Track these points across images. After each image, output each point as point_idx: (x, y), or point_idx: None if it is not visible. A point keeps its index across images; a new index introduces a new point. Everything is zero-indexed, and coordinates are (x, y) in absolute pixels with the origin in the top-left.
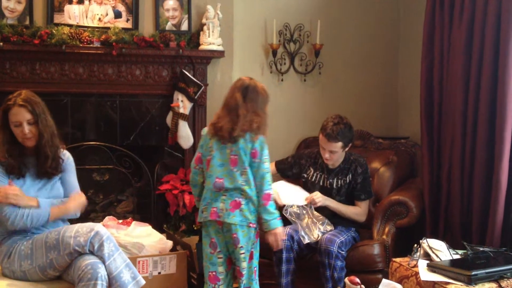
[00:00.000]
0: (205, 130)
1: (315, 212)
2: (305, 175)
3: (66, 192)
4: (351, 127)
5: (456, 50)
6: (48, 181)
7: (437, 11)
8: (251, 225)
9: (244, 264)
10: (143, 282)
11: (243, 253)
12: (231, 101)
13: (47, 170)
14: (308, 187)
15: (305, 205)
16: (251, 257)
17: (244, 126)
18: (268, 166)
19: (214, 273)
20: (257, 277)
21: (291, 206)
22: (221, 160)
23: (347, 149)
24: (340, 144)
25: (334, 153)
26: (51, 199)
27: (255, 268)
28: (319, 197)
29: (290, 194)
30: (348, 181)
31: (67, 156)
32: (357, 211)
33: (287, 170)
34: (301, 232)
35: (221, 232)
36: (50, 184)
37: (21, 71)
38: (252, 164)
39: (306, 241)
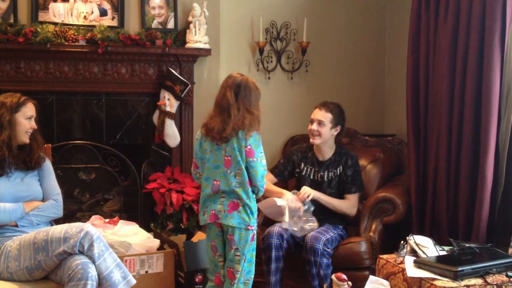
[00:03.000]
0: (199, 134)
1: (307, 213)
2: (298, 170)
3: (48, 195)
4: (343, 112)
5: (442, 48)
6: (25, 177)
7: (422, 10)
8: (249, 227)
9: (239, 267)
10: (133, 281)
11: (239, 255)
12: (222, 101)
13: (27, 163)
14: (300, 181)
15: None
16: (247, 260)
17: (235, 125)
18: (265, 164)
19: (218, 275)
20: (249, 281)
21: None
22: (216, 161)
23: (335, 132)
24: (329, 116)
25: (322, 125)
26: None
27: (245, 271)
28: (308, 191)
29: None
30: (338, 173)
31: (46, 159)
32: (348, 204)
33: (283, 172)
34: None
35: (220, 235)
36: (26, 184)
37: (5, 70)
38: (250, 164)
39: (285, 226)
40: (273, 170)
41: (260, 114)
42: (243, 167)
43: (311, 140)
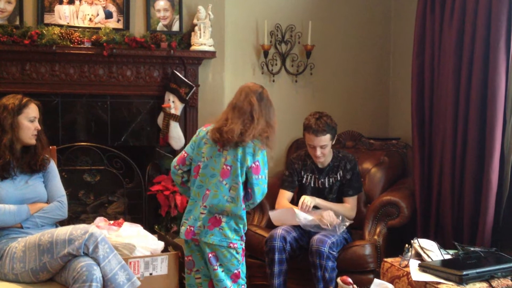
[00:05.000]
0: (202, 132)
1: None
2: (299, 178)
3: (53, 196)
4: (332, 118)
5: (447, 51)
6: (29, 179)
7: (428, 12)
8: (231, 245)
9: (227, 283)
10: (138, 283)
11: (223, 270)
12: (244, 104)
13: (32, 166)
14: (302, 189)
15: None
16: (236, 276)
17: (255, 132)
18: (266, 182)
19: None
20: None
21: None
22: (214, 169)
23: (333, 142)
24: (328, 136)
25: (325, 147)
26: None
27: (243, 287)
28: (307, 200)
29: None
30: (339, 178)
31: (51, 160)
32: (346, 208)
33: (293, 183)
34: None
35: (198, 249)
36: (31, 186)
37: (11, 72)
38: (253, 181)
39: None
40: (283, 185)
41: (275, 132)
42: (241, 181)
43: (316, 161)
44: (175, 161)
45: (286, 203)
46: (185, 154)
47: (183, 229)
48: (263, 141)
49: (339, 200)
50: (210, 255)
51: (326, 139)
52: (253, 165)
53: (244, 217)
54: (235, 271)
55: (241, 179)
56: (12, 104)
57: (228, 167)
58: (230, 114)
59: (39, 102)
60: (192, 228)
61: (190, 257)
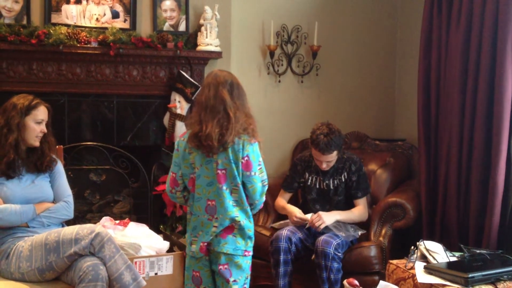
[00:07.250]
0: (181, 144)
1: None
2: (303, 180)
3: (59, 196)
4: (340, 132)
5: (454, 52)
6: (36, 179)
7: (434, 14)
8: (246, 253)
9: None
10: (144, 283)
11: (236, 281)
12: (215, 101)
13: (38, 166)
14: (305, 191)
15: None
16: None
17: (238, 130)
18: (265, 178)
19: None
20: None
21: None
22: (208, 177)
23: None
24: (335, 153)
25: (331, 161)
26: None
27: None
28: (319, 220)
29: None
30: (343, 179)
31: (58, 161)
32: (359, 211)
33: (292, 184)
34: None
35: (207, 265)
36: (37, 185)
37: (18, 71)
38: (246, 179)
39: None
40: (282, 185)
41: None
42: (240, 182)
43: (321, 168)
44: (168, 186)
45: (284, 203)
46: (173, 175)
47: (194, 247)
48: (250, 134)
49: (347, 201)
50: (222, 267)
51: (332, 156)
52: (242, 160)
53: (252, 225)
54: (245, 285)
55: (239, 180)
56: (21, 104)
57: (223, 171)
58: (203, 115)
59: (49, 105)
60: (205, 244)
61: (198, 273)
